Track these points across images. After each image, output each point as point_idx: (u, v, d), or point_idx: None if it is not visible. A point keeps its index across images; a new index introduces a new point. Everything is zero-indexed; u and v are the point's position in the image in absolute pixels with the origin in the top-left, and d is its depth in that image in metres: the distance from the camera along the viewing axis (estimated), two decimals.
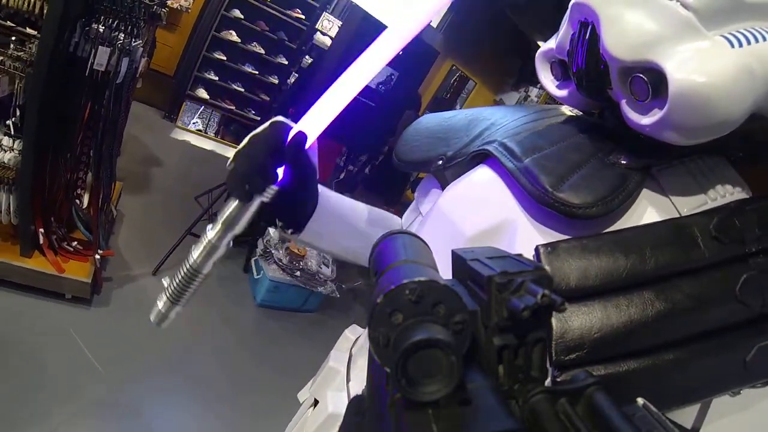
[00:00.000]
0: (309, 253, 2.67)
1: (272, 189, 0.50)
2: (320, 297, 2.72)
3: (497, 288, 0.24)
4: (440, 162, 0.63)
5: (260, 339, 2.40)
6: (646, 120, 0.45)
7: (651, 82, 0.43)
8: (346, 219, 0.66)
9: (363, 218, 0.69)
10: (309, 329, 2.65)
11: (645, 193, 0.48)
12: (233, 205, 0.50)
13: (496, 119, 0.64)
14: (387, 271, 0.30)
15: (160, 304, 0.52)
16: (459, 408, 0.20)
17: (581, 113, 0.61)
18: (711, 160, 0.49)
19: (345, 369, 0.67)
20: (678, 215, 0.47)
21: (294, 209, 0.57)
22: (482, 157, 0.59)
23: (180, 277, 0.50)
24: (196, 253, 0.50)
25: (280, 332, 2.52)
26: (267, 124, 0.51)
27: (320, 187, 0.60)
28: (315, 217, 0.59)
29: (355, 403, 0.33)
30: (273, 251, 2.57)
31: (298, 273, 2.56)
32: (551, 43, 0.57)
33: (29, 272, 1.75)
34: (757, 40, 0.40)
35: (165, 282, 0.52)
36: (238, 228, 0.51)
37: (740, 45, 0.40)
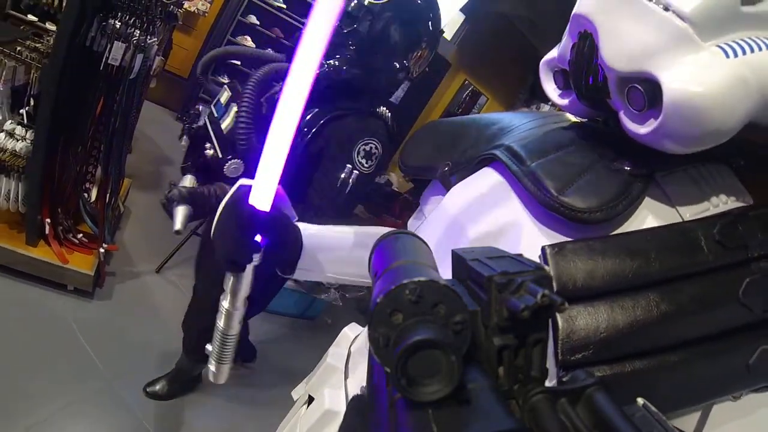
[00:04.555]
0: None
1: (256, 256, 0.54)
2: (322, 304, 2.70)
3: (497, 288, 0.23)
4: (446, 168, 0.64)
5: (260, 342, 2.38)
6: (643, 129, 0.45)
7: (647, 92, 0.43)
8: (330, 250, 0.66)
9: (349, 244, 0.68)
10: (309, 336, 2.63)
11: (648, 199, 0.49)
12: (231, 277, 0.55)
13: (503, 125, 0.64)
14: (387, 272, 0.29)
15: (212, 366, 0.60)
16: (459, 408, 0.20)
17: (586, 120, 0.62)
18: (714, 168, 0.50)
19: (343, 366, 0.67)
20: (681, 221, 0.47)
21: (284, 256, 0.60)
22: (488, 161, 0.59)
23: (217, 342, 0.58)
24: (220, 322, 0.57)
25: (280, 337, 2.51)
26: (229, 194, 0.53)
27: (302, 226, 0.63)
28: (301, 256, 0.62)
29: (356, 403, 0.33)
30: None
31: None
32: (554, 53, 0.57)
33: (33, 261, 1.76)
34: (752, 50, 0.40)
35: (209, 347, 0.59)
36: (244, 291, 0.56)
37: (735, 55, 0.40)
